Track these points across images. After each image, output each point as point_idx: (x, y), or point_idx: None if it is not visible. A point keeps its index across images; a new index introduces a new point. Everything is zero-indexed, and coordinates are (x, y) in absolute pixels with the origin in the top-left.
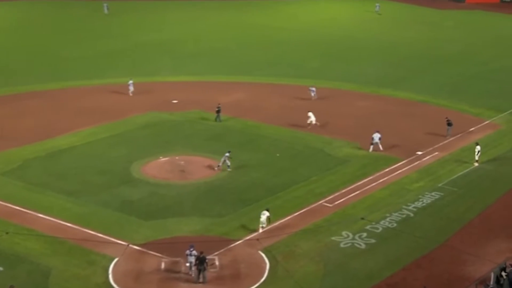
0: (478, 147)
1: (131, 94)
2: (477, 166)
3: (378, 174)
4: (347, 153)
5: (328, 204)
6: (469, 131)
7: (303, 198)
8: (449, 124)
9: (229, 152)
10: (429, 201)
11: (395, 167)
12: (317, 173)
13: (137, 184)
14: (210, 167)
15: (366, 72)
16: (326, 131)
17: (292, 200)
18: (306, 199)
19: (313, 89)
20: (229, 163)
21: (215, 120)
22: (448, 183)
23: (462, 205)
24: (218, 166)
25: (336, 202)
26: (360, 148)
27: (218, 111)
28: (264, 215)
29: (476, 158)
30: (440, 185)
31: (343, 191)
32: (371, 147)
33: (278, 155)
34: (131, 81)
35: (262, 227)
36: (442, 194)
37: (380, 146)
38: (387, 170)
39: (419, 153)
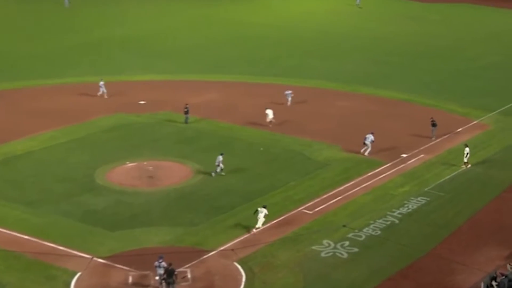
0: (467, 149)
1: (106, 97)
2: (465, 169)
3: (360, 178)
4: (328, 156)
5: (307, 211)
6: (457, 131)
7: (281, 205)
8: (434, 125)
9: (222, 154)
10: (415, 207)
11: (379, 171)
12: (296, 178)
13: (101, 192)
14: (202, 172)
15: (346, 70)
16: (306, 133)
17: (269, 207)
18: (284, 206)
19: (289, 92)
20: (222, 167)
21: (184, 122)
22: (435, 187)
23: (450, 210)
24: (215, 172)
25: (316, 209)
26: (341, 150)
27: (186, 112)
28: (262, 213)
29: (465, 160)
30: (426, 189)
31: (324, 197)
32: (367, 149)
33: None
34: (102, 82)
35: (257, 228)
36: (428, 199)
37: (368, 150)
38: (370, 174)
39: (404, 155)
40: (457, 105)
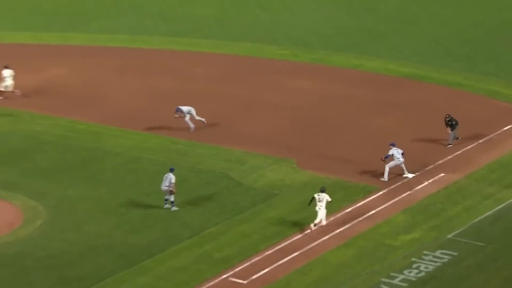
0: None
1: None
2: None
3: (332, 218)
4: (274, 179)
5: (239, 280)
6: (501, 132)
7: (191, 270)
8: (452, 125)
9: (172, 170)
10: (430, 269)
11: (367, 204)
12: (217, 221)
13: None
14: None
15: (302, 24)
16: (234, 138)
17: (169, 275)
18: (198, 271)
19: (183, 109)
20: (171, 195)
21: None
22: (465, 232)
23: (495, 274)
24: (171, 204)
25: (254, 276)
26: (297, 168)
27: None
28: (322, 201)
29: None
30: (450, 236)
31: (267, 253)
32: (386, 170)
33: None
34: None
35: (316, 225)
36: (455, 254)
37: (404, 169)
38: (351, 209)
39: (409, 176)
40: (500, 84)
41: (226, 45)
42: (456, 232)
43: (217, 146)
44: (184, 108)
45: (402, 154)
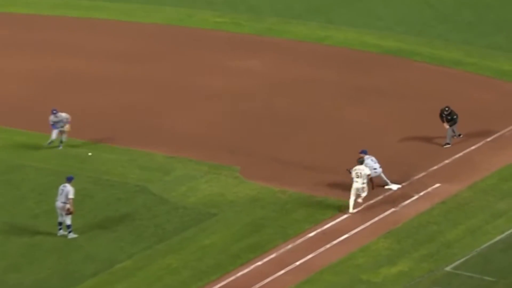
0: None
1: None
2: None
3: (290, 245)
4: (209, 194)
5: None
6: None
7: None
8: (450, 119)
9: (69, 179)
10: None
11: (335, 227)
12: (133, 252)
13: None
14: None
15: None
16: (154, 138)
17: None
18: None
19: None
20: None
21: None
22: (468, 263)
23: None
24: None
25: None
26: (242, 179)
27: None
28: (362, 177)
29: None
30: (449, 268)
31: None
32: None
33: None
34: None
35: (358, 203)
36: None
37: (386, 179)
38: (313, 234)
39: (393, 188)
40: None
41: (143, 11)
42: (457, 262)
43: (131, 149)
44: (63, 115)
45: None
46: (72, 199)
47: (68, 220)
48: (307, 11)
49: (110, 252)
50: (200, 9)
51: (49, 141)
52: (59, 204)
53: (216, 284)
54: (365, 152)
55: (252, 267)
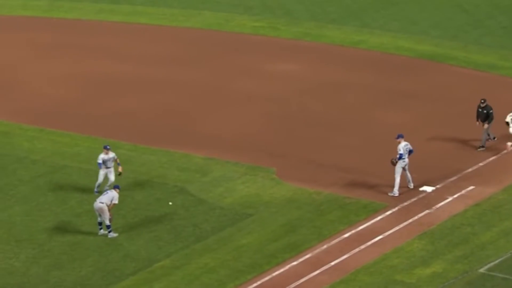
0: None
1: None
2: None
3: (325, 246)
4: (245, 195)
5: None
6: None
7: None
8: (486, 115)
9: (116, 188)
10: None
11: (370, 228)
12: (171, 251)
13: None
14: None
15: None
16: (193, 140)
17: None
18: None
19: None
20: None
21: None
22: (503, 265)
23: None
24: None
25: None
26: (278, 180)
27: None
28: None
29: None
30: (483, 270)
31: None
32: (397, 181)
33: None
34: None
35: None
36: None
37: (409, 176)
38: (347, 235)
39: (427, 189)
40: None
41: (182, 15)
42: (491, 264)
43: (170, 151)
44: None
45: (410, 152)
46: (115, 204)
47: (107, 220)
48: (343, 16)
49: (149, 251)
50: (238, 13)
51: (97, 184)
52: (97, 204)
53: (252, 283)
54: (402, 136)
55: (287, 267)
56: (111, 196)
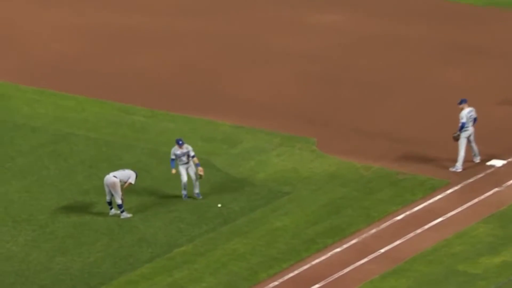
0: None
1: None
2: None
3: (374, 230)
4: (281, 170)
5: None
6: None
7: None
8: None
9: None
10: None
11: (428, 209)
12: (194, 235)
13: None
14: None
15: None
16: (220, 104)
17: None
18: None
19: None
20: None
21: None
22: None
23: None
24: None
25: None
26: (318, 151)
27: None
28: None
29: None
30: None
31: (272, 285)
32: (461, 154)
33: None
34: None
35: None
36: None
37: (475, 148)
38: (401, 216)
39: (497, 164)
40: None
41: None
42: None
43: (193, 117)
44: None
45: (475, 120)
46: (131, 185)
47: (118, 199)
48: None
49: (168, 234)
50: None
51: (183, 186)
52: (110, 178)
53: (288, 272)
54: (465, 101)
55: (329, 254)
56: (128, 174)
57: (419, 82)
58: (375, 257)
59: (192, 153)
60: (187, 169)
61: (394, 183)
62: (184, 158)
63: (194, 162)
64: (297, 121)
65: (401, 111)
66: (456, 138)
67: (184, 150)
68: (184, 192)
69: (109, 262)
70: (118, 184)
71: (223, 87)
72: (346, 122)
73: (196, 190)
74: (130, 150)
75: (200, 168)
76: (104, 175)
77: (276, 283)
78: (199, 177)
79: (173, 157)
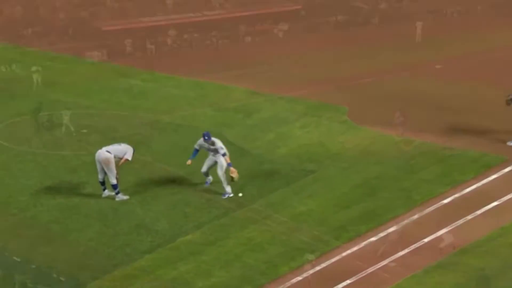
0: None
1: None
2: None
3: (417, 216)
4: (305, 144)
5: None
6: None
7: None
8: None
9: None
10: None
11: (481, 190)
12: (202, 221)
13: None
14: None
15: None
16: (233, 64)
17: None
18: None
19: None
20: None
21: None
22: None
23: None
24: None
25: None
26: (350, 122)
27: None
28: None
29: None
30: None
31: (295, 280)
32: None
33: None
34: None
35: None
36: None
37: None
38: (450, 199)
39: None
40: None
41: None
42: None
43: (201, 81)
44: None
45: None
46: (127, 161)
47: (112, 178)
48: None
49: (171, 220)
50: None
51: (204, 172)
52: (102, 153)
53: (314, 266)
54: None
55: (363, 244)
56: (124, 149)
57: (468, 39)
58: (417, 248)
59: (222, 151)
60: (213, 162)
61: (440, 160)
62: (212, 152)
63: (225, 161)
64: (325, 86)
65: (447, 74)
66: (509, 103)
67: (212, 147)
68: (207, 181)
69: (102, 253)
70: (112, 161)
71: (235, 45)
72: (383, 87)
73: (227, 189)
74: (126, 120)
75: (232, 169)
76: (96, 150)
77: (299, 278)
78: (230, 179)
79: (197, 147)
